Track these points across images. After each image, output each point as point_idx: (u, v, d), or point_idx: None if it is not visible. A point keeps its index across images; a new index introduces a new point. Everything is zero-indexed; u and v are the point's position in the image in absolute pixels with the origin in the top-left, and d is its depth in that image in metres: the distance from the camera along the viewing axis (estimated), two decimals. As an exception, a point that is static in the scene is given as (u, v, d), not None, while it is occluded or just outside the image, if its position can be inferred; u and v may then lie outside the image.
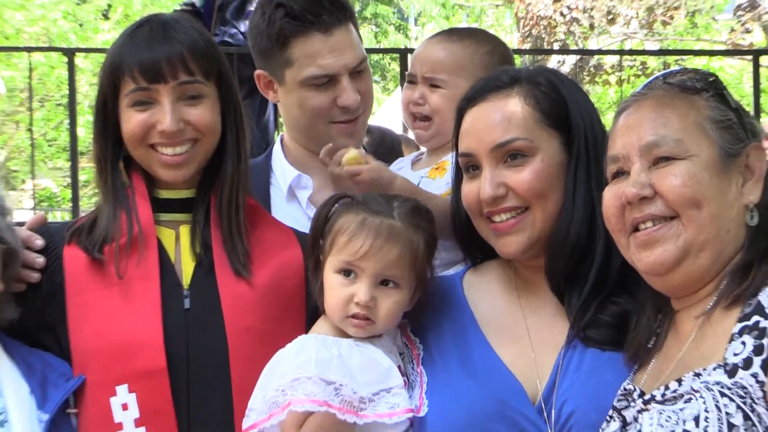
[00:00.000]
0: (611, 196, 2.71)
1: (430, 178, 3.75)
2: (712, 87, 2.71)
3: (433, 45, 3.85)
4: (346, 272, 2.93)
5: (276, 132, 8.35)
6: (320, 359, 2.85)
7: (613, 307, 2.88)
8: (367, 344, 2.96)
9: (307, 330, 3.11)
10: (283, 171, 3.86)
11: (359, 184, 3.40)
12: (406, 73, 3.88)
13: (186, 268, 3.22)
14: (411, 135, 4.81)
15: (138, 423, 3.07)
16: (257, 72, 3.70)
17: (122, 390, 3.08)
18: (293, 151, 3.89)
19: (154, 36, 3.21)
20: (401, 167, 3.85)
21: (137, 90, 3.17)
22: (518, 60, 12.01)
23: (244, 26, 6.96)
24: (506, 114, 3.01)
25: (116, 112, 3.21)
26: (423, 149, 4.07)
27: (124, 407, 3.08)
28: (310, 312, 3.20)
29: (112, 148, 3.25)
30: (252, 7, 9.48)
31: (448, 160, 3.43)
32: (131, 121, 3.19)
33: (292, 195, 3.82)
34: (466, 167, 3.08)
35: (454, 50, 3.75)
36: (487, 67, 3.67)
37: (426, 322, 3.05)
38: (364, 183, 3.41)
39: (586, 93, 3.10)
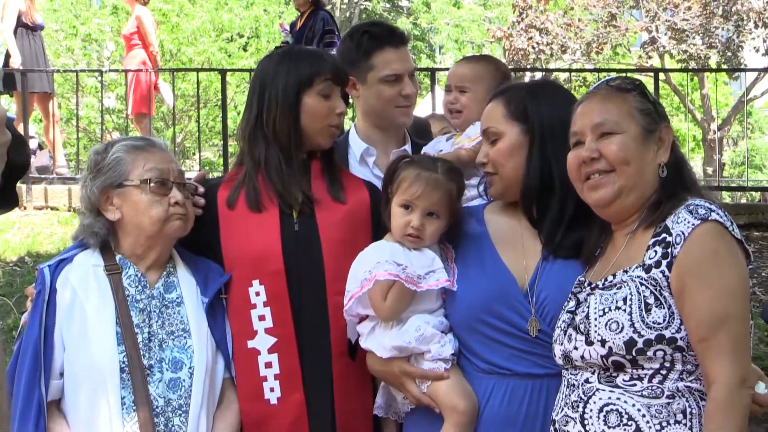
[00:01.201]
0: (573, 157, 2.66)
1: (458, 141, 3.72)
2: (637, 88, 2.68)
3: (461, 65, 3.87)
4: (406, 206, 2.90)
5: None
6: (392, 251, 2.87)
7: (573, 234, 2.82)
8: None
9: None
10: (357, 144, 3.81)
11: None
12: (445, 84, 3.87)
13: (297, 207, 3.18)
14: (434, 120, 4.75)
15: (265, 304, 3.07)
16: None
17: (256, 282, 3.08)
18: (364, 131, 3.83)
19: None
20: (439, 141, 3.83)
21: (326, 81, 3.20)
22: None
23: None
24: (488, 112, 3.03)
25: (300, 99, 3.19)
26: (446, 133, 4.02)
27: (257, 294, 3.08)
28: (373, 232, 3.18)
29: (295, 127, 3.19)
30: (329, 40, 9.38)
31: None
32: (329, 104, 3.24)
33: (363, 160, 3.77)
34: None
35: (474, 69, 3.75)
36: (494, 78, 3.67)
37: (457, 235, 3.01)
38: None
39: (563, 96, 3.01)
